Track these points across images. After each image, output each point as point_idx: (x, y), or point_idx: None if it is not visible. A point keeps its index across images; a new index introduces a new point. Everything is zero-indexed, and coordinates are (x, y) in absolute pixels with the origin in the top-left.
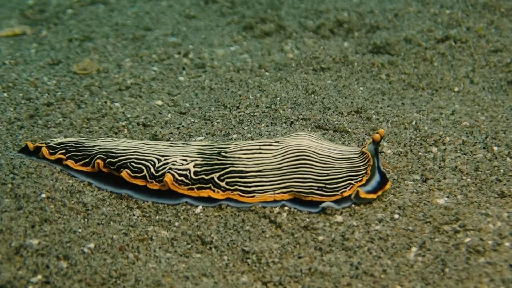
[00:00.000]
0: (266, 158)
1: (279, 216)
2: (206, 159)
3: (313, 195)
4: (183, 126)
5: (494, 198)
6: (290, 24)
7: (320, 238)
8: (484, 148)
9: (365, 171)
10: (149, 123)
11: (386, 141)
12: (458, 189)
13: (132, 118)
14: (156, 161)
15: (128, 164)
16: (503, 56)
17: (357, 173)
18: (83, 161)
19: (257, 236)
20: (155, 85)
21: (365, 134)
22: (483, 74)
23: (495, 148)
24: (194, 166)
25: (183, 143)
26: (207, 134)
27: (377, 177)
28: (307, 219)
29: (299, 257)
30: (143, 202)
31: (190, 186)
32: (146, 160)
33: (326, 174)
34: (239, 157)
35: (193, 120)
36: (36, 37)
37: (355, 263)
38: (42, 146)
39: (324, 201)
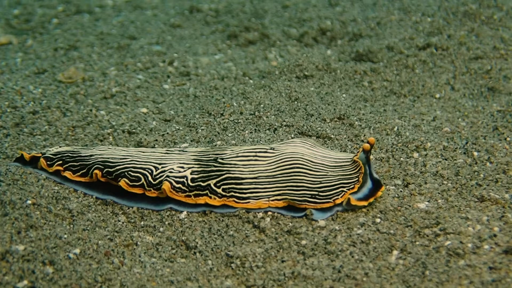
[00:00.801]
0: (261, 165)
1: (263, 221)
2: (202, 166)
3: (306, 203)
4: (167, 133)
5: (474, 202)
6: (274, 32)
7: (303, 242)
8: (464, 153)
9: (357, 178)
10: (134, 130)
11: None
12: (439, 193)
13: (117, 125)
14: (154, 169)
15: (126, 173)
16: (484, 63)
17: (349, 180)
18: (80, 172)
19: (241, 241)
20: (140, 93)
21: (348, 140)
22: (464, 81)
23: (475, 153)
24: (191, 173)
25: (179, 150)
26: (191, 141)
27: (369, 184)
28: (290, 224)
29: (282, 261)
30: (128, 208)
31: (187, 193)
32: (144, 169)
33: (319, 182)
34: (235, 164)
35: (177, 128)
36: (21, 46)
37: (338, 266)
38: (39, 157)
39: (317, 209)
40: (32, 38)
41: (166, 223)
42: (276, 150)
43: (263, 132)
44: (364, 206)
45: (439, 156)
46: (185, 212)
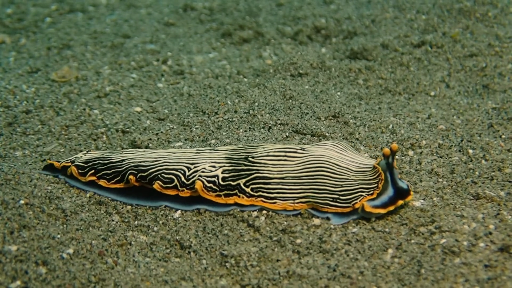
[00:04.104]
0: (289, 166)
1: (257, 220)
2: (233, 165)
3: (328, 206)
4: (161, 132)
5: (469, 200)
6: (268, 30)
7: (298, 241)
8: (459, 151)
9: (377, 185)
10: (128, 129)
11: (363, 145)
12: (434, 191)
13: (111, 125)
14: (186, 170)
15: (159, 175)
16: (478, 61)
17: (369, 186)
18: (115, 179)
19: (235, 240)
20: (134, 92)
21: (343, 139)
22: (458, 79)
23: (471, 151)
24: (222, 172)
25: (210, 149)
26: (185, 140)
27: (390, 192)
28: (285, 223)
29: (277, 260)
30: (122, 208)
31: (217, 193)
32: (176, 170)
33: (340, 186)
34: (265, 163)
35: (171, 126)
36: (14, 45)
37: (333, 265)
38: (69, 165)
39: (336, 213)
40: (25, 37)
41: (160, 222)
42: (306, 151)
43: (258, 130)
44: (381, 214)
45: (434, 154)
46: (179, 211)
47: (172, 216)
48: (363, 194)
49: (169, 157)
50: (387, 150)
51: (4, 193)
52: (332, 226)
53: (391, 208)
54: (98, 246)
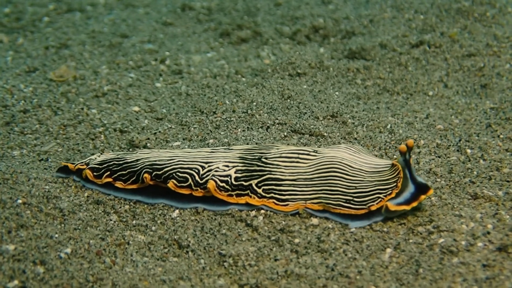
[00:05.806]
0: (302, 168)
1: (256, 220)
2: (247, 165)
3: (341, 208)
4: (160, 131)
5: (467, 200)
6: (267, 30)
7: (296, 240)
8: (457, 150)
9: (395, 184)
10: (126, 129)
11: (361, 145)
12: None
13: (109, 124)
14: (200, 169)
15: (174, 174)
16: (476, 61)
17: (386, 186)
18: (131, 180)
19: (233, 240)
20: (132, 92)
21: (341, 138)
22: (457, 78)
23: (469, 151)
24: (235, 172)
25: (224, 148)
26: (184, 139)
27: (410, 189)
28: (283, 222)
29: (275, 260)
30: (120, 207)
31: (229, 193)
32: (191, 169)
33: (354, 187)
34: (277, 165)
35: (170, 126)
36: (12, 44)
37: (331, 264)
38: (84, 169)
39: (351, 214)
40: (23, 36)
41: (158, 222)
42: (318, 153)
43: (256, 130)
44: (406, 211)
45: (433, 154)
46: (177, 211)
47: (170, 215)
48: (381, 196)
49: (184, 156)
50: (403, 147)
51: (2, 192)
52: (330, 225)
53: (415, 204)
54: (96, 245)
